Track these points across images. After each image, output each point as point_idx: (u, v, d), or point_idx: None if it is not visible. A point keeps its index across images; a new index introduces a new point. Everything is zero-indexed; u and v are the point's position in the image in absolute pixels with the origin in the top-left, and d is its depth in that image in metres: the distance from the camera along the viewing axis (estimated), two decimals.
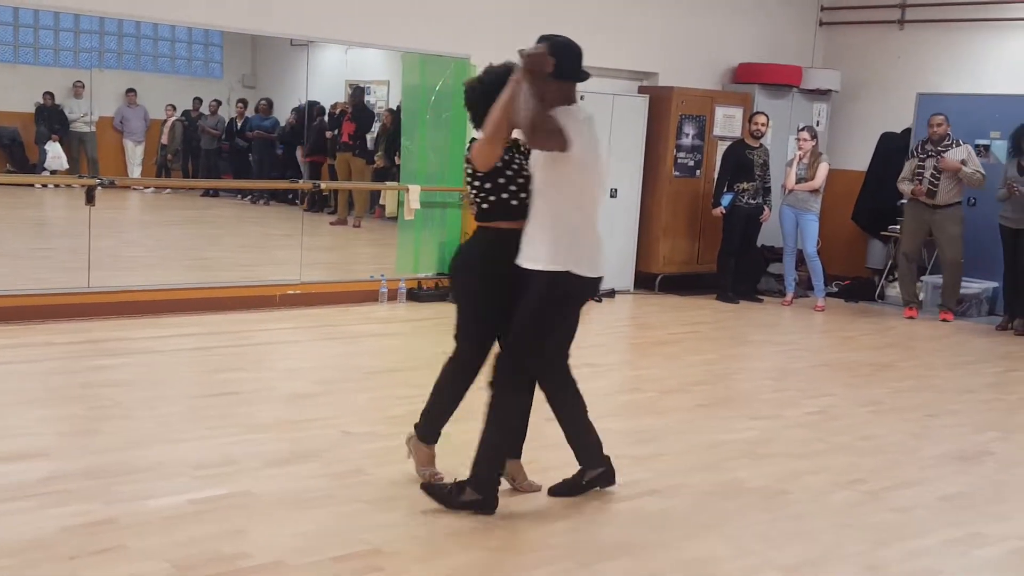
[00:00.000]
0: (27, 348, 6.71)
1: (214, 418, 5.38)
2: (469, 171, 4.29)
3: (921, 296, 10.22)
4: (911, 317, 9.82)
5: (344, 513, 4.18)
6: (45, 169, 15.18)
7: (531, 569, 3.80)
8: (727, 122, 10.87)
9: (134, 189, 16.24)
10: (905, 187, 9.85)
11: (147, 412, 5.45)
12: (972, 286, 10.15)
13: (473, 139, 4.33)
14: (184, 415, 5.46)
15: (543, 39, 4.22)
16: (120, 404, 5.59)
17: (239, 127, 16.66)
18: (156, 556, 3.66)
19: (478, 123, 4.26)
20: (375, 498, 4.36)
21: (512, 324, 4.20)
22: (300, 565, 3.67)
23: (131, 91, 16.90)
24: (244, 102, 17.05)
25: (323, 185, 10.83)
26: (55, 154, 15.50)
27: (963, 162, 9.58)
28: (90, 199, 7.77)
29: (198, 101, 17.29)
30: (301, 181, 10.66)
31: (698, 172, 10.73)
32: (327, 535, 3.95)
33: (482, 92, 4.25)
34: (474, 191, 4.32)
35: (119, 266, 8.88)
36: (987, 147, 10.22)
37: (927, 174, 9.68)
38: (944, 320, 9.73)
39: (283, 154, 15.81)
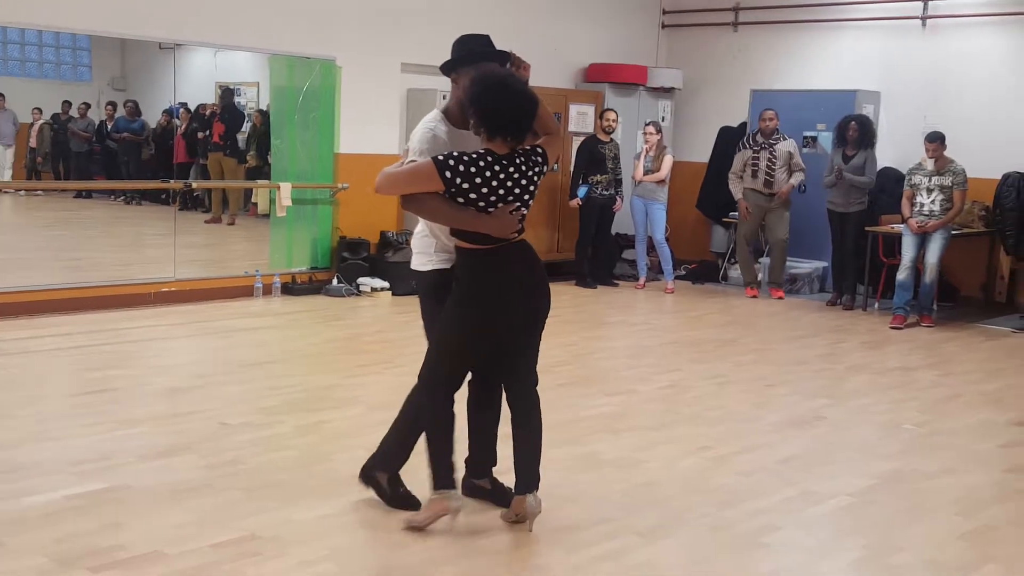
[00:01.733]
0: None
1: (91, 415, 5.19)
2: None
3: (760, 277, 10.57)
4: (754, 296, 10.15)
5: (222, 502, 4.09)
6: None
7: (402, 547, 3.79)
8: (580, 119, 11.02)
9: (5, 192, 15.55)
10: (735, 187, 10.16)
11: (24, 411, 5.23)
12: (803, 266, 10.54)
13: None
14: (61, 413, 5.26)
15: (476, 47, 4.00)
16: None
17: (108, 129, 16.11)
18: (34, 552, 3.53)
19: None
20: (252, 486, 4.28)
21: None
22: (178, 553, 3.58)
23: None
24: (113, 105, 16.46)
25: (194, 184, 10.53)
26: None
27: (790, 154, 9.95)
28: None
29: (67, 104, 16.63)
30: (172, 181, 10.33)
31: (556, 166, 10.84)
32: (205, 524, 3.86)
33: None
34: None
35: None
36: (814, 138, 10.61)
37: (763, 165, 10.00)
38: (777, 298, 10.07)
39: (154, 155, 15.36)
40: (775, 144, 9.99)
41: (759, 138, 10.10)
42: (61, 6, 7.77)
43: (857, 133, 9.46)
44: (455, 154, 3.68)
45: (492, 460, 4.31)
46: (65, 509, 3.93)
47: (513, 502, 4.03)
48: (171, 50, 14.82)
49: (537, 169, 3.82)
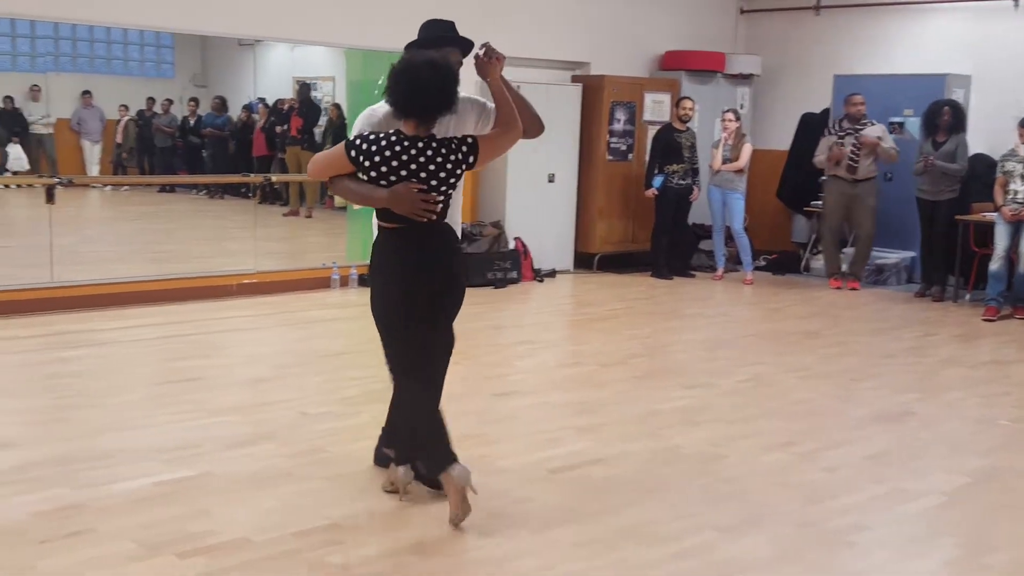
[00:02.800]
0: None
1: (175, 404, 5.29)
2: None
3: (844, 267, 10.35)
4: (837, 287, 9.93)
5: (303, 491, 4.14)
6: (7, 170, 14.88)
7: (484, 538, 3.77)
8: (656, 107, 10.89)
9: (93, 187, 15.99)
10: (821, 159, 9.92)
11: (111, 400, 5.36)
12: (891, 256, 10.28)
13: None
14: (147, 402, 5.37)
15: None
16: (85, 393, 5.49)
17: (192, 125, 16.43)
18: (124, 537, 3.60)
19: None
20: (333, 475, 4.32)
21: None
22: (263, 541, 3.62)
23: (87, 93, 16.63)
24: (196, 100, 16.81)
25: (273, 178, 10.67)
26: (16, 155, 15.21)
27: (880, 140, 9.70)
28: (50, 197, 7.65)
29: (151, 101, 17.03)
30: (252, 175, 10.49)
31: (630, 156, 10.74)
32: (288, 512, 3.90)
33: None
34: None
35: (81, 261, 8.73)
36: (901, 124, 10.33)
37: (847, 150, 9.77)
38: (852, 288, 9.83)
39: (235, 149, 15.62)
40: (861, 130, 9.75)
41: (845, 123, 9.86)
42: (146, 5, 7.91)
43: (950, 118, 9.20)
44: (364, 133, 3.77)
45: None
46: (153, 496, 4.01)
47: (389, 471, 4.14)
48: (250, 46, 15.13)
49: (455, 158, 3.76)
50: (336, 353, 6.76)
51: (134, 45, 17.73)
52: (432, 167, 3.72)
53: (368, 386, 5.79)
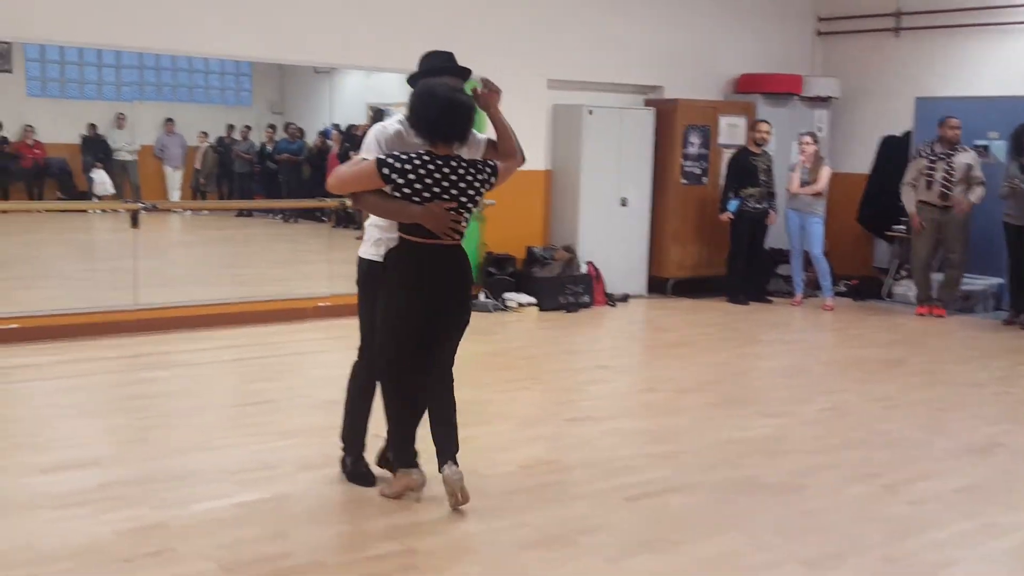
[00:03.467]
0: (78, 363, 6.71)
1: (252, 425, 5.35)
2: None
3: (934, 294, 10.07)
4: (924, 314, 9.62)
5: (377, 513, 4.13)
6: (94, 195, 15.31)
7: (559, 566, 3.73)
8: (731, 131, 10.78)
9: (174, 211, 16.35)
10: (908, 198, 9.68)
11: (190, 421, 5.44)
12: (977, 282, 9.99)
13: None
14: (224, 423, 5.45)
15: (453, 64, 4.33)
16: (165, 414, 5.59)
17: (269, 151, 16.75)
18: (204, 557, 3.64)
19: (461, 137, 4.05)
20: (406, 499, 4.29)
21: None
22: (339, 564, 3.64)
23: (169, 120, 17.09)
24: (273, 127, 17.15)
25: (348, 203, 10.74)
26: (101, 180, 15.67)
27: (969, 167, 9.45)
28: (135, 222, 7.84)
29: (231, 128, 17.42)
30: (328, 199, 10.61)
31: (705, 179, 10.64)
32: (364, 535, 3.91)
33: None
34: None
35: (163, 284, 8.89)
36: (986, 148, 10.07)
37: (938, 177, 9.52)
38: (938, 315, 9.56)
39: (310, 174, 15.88)
40: (954, 156, 9.51)
41: (937, 148, 9.63)
42: (226, 34, 8.08)
43: None
44: (395, 153, 3.97)
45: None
46: (231, 516, 4.05)
47: (398, 474, 4.28)
48: (326, 74, 15.34)
49: (481, 178, 4.04)
50: None
51: (214, 74, 18.19)
52: (463, 185, 3.97)
53: None
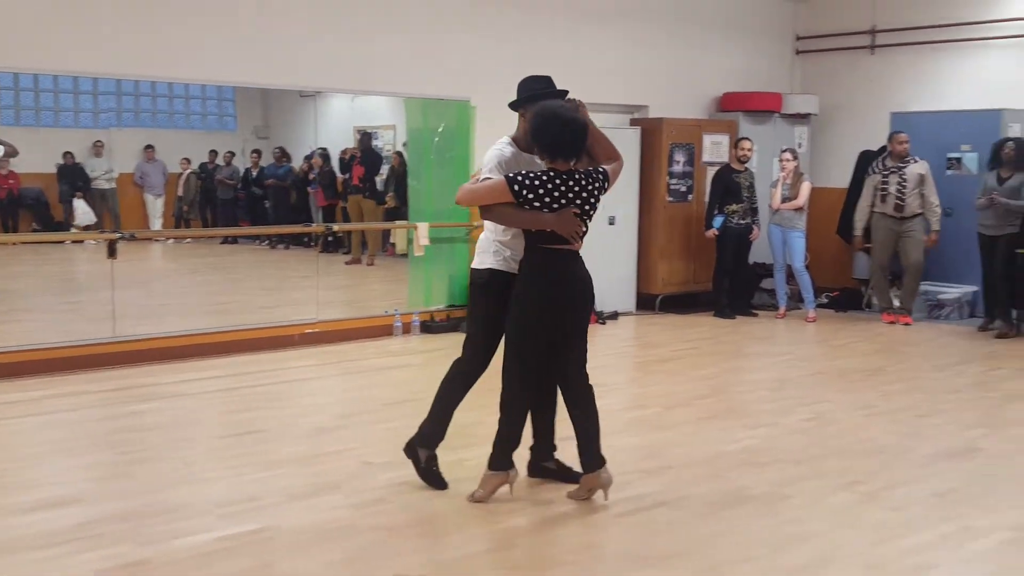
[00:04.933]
0: (58, 399, 6.68)
1: (238, 456, 5.35)
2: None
3: (897, 303, 10.23)
4: (891, 322, 9.84)
5: (368, 542, 4.16)
6: (73, 226, 15.25)
7: None
8: (715, 148, 10.90)
9: (157, 240, 16.30)
10: (859, 220, 9.97)
11: (175, 454, 5.43)
12: (951, 291, 10.13)
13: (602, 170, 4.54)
14: (210, 455, 5.45)
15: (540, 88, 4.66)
16: (149, 447, 5.57)
17: (254, 176, 16.74)
18: None
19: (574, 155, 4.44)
20: (397, 526, 4.35)
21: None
22: None
23: (149, 147, 16.98)
24: (258, 152, 17.14)
25: (335, 227, 10.85)
26: (83, 210, 15.57)
27: (921, 177, 9.66)
28: (112, 252, 7.82)
29: (214, 153, 17.39)
30: (314, 224, 10.67)
31: (690, 197, 10.75)
32: (353, 564, 3.93)
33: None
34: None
35: (145, 314, 8.87)
36: (959, 160, 10.23)
37: (892, 189, 9.73)
38: (904, 323, 9.75)
39: (297, 200, 15.87)
40: (905, 168, 9.70)
41: (889, 162, 9.84)
42: (207, 60, 8.14)
43: (1014, 154, 9.11)
44: (523, 172, 4.41)
45: (552, 446, 4.93)
46: (217, 551, 4.04)
47: (584, 480, 4.60)
48: (311, 97, 15.41)
49: (598, 185, 4.48)
50: (399, 401, 6.79)
51: (196, 99, 18.13)
52: (585, 194, 4.43)
53: None
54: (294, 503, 4.61)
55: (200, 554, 4.01)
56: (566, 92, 4.64)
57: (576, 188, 4.41)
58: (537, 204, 4.36)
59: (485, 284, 4.64)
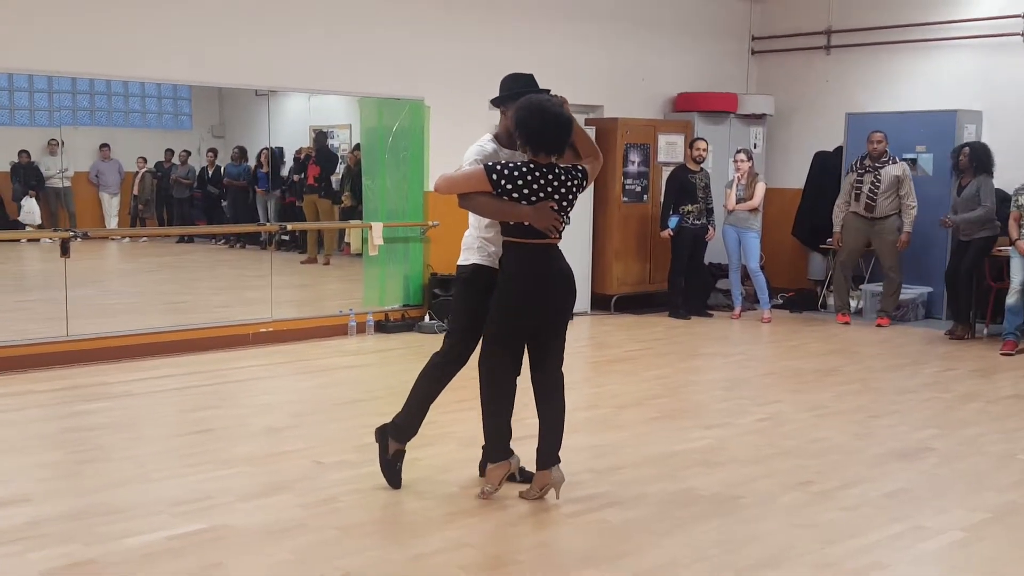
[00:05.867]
0: (9, 398, 6.58)
1: (190, 456, 5.29)
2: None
3: (860, 304, 10.32)
4: (846, 323, 9.93)
5: (317, 542, 4.12)
6: (27, 225, 15.02)
7: None
8: (670, 149, 10.94)
9: (112, 239, 16.10)
10: (837, 217, 10.02)
11: (126, 453, 5.35)
12: (908, 292, 10.24)
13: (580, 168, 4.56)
14: (161, 454, 5.37)
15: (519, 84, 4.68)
16: (100, 447, 5.49)
17: (210, 175, 16.58)
18: None
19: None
20: (347, 525, 4.30)
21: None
22: None
23: (105, 146, 16.77)
24: (214, 151, 16.98)
25: (288, 227, 10.75)
26: (29, 209, 15.36)
27: (897, 179, 9.71)
28: (65, 251, 7.70)
29: (169, 152, 17.20)
30: (267, 224, 10.58)
31: (645, 197, 10.78)
32: (302, 563, 3.89)
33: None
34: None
35: (98, 313, 8.74)
36: (914, 161, 10.34)
37: (865, 189, 9.78)
38: (879, 325, 9.80)
39: (253, 199, 15.73)
40: (881, 168, 9.76)
41: (866, 161, 9.89)
42: (163, 58, 8.06)
43: (968, 160, 9.20)
44: (502, 162, 4.42)
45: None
46: (165, 550, 3.99)
47: (537, 477, 4.62)
48: (266, 96, 15.17)
49: (576, 183, 4.50)
50: (352, 400, 6.76)
51: (151, 98, 17.94)
52: (563, 190, 4.44)
53: None
54: (245, 502, 4.56)
55: (148, 554, 3.95)
56: (548, 91, 4.63)
57: (555, 183, 4.42)
58: (515, 195, 4.36)
59: (468, 279, 4.67)
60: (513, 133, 4.44)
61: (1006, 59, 10.23)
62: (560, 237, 4.49)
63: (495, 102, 4.71)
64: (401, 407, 4.84)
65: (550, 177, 4.41)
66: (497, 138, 4.67)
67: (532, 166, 4.39)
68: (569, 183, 4.47)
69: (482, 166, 4.40)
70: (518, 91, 4.59)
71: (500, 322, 4.52)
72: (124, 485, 4.79)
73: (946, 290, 9.69)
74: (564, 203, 4.46)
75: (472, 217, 4.67)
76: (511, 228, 4.44)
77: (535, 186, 4.37)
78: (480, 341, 4.65)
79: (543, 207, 4.37)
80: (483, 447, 4.86)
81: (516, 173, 4.36)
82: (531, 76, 4.74)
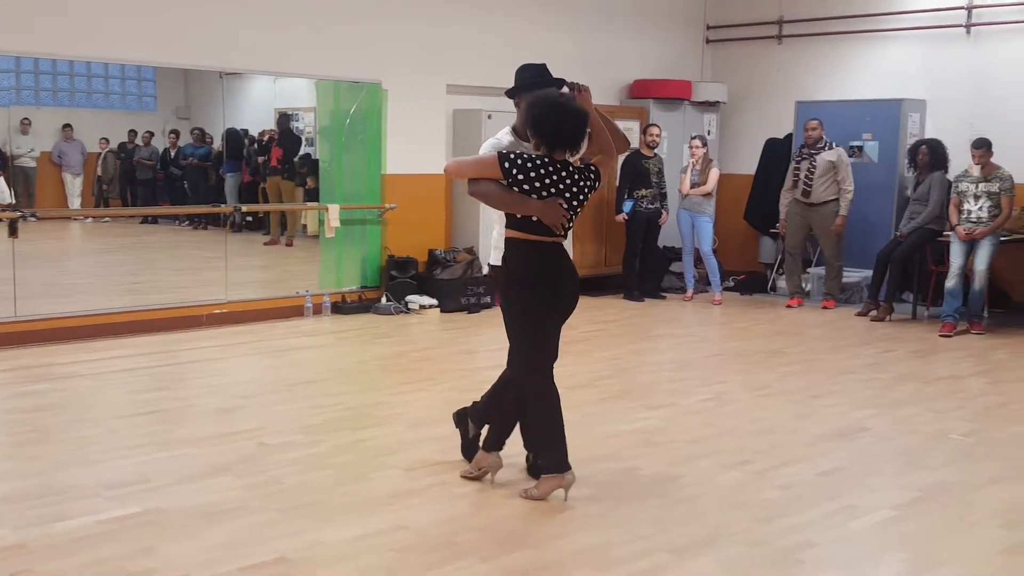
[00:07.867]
0: None
1: (133, 437, 5.16)
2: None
3: (808, 287, 10.32)
4: (797, 305, 9.92)
5: (255, 524, 4.01)
6: None
7: (436, 567, 3.67)
8: (626, 134, 10.82)
9: (75, 219, 15.84)
10: (783, 204, 9.99)
11: (67, 435, 5.20)
12: (853, 274, 10.25)
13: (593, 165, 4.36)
14: (104, 436, 5.22)
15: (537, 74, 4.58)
16: (41, 429, 5.33)
17: (173, 156, 16.32)
18: None
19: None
20: (287, 507, 4.20)
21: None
22: None
23: (67, 127, 16.47)
24: (176, 133, 16.70)
25: (244, 208, 10.59)
26: (1, 188, 15.05)
27: (831, 165, 9.70)
28: (13, 231, 7.53)
29: (133, 133, 16.91)
30: (223, 205, 10.41)
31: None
32: (236, 546, 3.78)
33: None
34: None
35: (52, 293, 8.53)
36: (860, 148, 10.33)
37: (802, 175, 9.79)
38: (825, 307, 9.80)
39: (216, 180, 15.51)
40: (816, 154, 9.76)
41: (804, 149, 9.88)
42: (127, 40, 7.91)
43: (926, 157, 9.22)
44: (517, 152, 4.22)
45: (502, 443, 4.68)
46: (96, 534, 3.86)
47: (478, 457, 4.57)
48: (228, 77, 14.94)
49: (589, 183, 4.31)
50: (303, 382, 6.63)
51: (115, 79, 17.62)
52: (575, 188, 4.25)
53: (332, 414, 5.70)
54: (185, 484, 4.44)
55: (79, 538, 3.82)
56: (562, 81, 4.45)
57: (568, 180, 4.22)
58: (526, 187, 4.16)
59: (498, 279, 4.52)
60: (527, 130, 4.25)
61: (950, 50, 10.23)
62: (566, 236, 4.31)
63: (509, 94, 4.55)
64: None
65: (563, 174, 4.22)
66: (515, 130, 4.47)
67: (546, 160, 4.20)
68: (581, 183, 4.27)
69: (496, 153, 4.21)
70: (532, 82, 4.44)
71: (530, 324, 4.32)
72: (64, 468, 4.65)
73: (874, 269, 9.49)
74: (575, 202, 4.26)
75: (496, 215, 4.44)
76: (518, 222, 4.24)
77: (547, 181, 4.18)
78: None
79: (552, 203, 4.17)
80: (528, 454, 4.68)
81: (529, 165, 4.16)
82: (543, 66, 4.58)
